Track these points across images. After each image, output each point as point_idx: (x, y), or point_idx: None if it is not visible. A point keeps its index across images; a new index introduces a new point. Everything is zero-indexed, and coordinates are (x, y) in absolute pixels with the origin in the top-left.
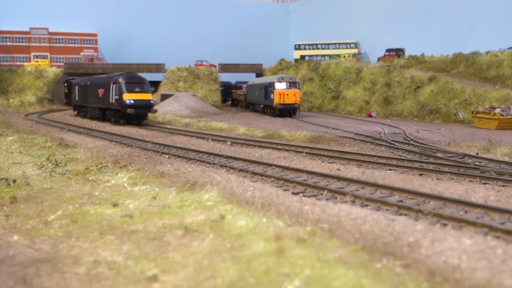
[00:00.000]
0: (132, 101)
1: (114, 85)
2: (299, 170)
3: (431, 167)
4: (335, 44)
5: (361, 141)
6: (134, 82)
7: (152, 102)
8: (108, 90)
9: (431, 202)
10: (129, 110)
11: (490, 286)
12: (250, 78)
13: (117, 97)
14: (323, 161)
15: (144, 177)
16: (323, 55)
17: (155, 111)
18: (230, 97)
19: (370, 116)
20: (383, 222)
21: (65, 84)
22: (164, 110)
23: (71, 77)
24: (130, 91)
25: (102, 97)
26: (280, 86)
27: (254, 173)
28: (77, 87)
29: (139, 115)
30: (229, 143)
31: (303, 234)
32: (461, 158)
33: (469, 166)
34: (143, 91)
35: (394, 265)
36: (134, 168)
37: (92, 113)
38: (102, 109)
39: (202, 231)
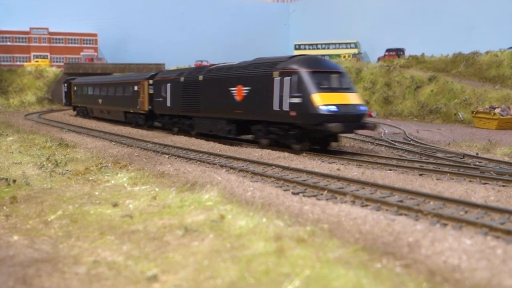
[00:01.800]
0: (334, 108)
1: (287, 79)
2: (299, 170)
3: (431, 167)
4: (335, 44)
5: (361, 141)
6: (326, 72)
7: (364, 109)
8: (267, 88)
9: (431, 202)
10: (331, 127)
11: (490, 286)
12: None
13: (297, 100)
14: (323, 161)
15: (144, 177)
16: (323, 55)
17: (373, 126)
18: None
19: (370, 116)
20: (383, 222)
21: (150, 82)
22: None
23: (155, 71)
24: (323, 88)
25: (246, 101)
26: None
27: (254, 173)
28: (168, 86)
29: (342, 133)
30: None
31: (303, 234)
32: (461, 158)
33: (469, 166)
34: (346, 88)
35: (394, 265)
36: (134, 168)
37: (210, 128)
38: (241, 122)
39: (202, 231)
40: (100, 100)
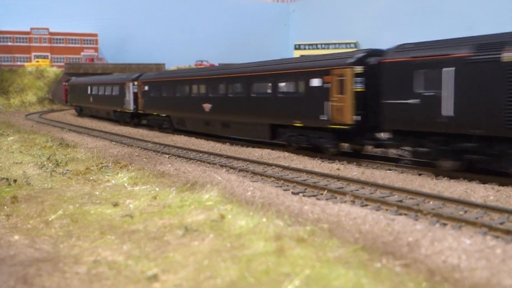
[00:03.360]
0: None
1: None
2: (299, 170)
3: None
4: (335, 44)
5: None
6: None
7: None
8: None
9: (431, 202)
10: None
11: (489, 286)
12: None
13: None
14: (323, 161)
15: (145, 177)
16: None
17: None
18: None
19: None
20: (382, 222)
21: (362, 70)
22: None
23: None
24: None
25: None
26: None
27: (254, 173)
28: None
29: None
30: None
31: (303, 234)
32: None
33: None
34: None
35: (393, 265)
36: (134, 168)
37: None
38: None
39: (202, 231)
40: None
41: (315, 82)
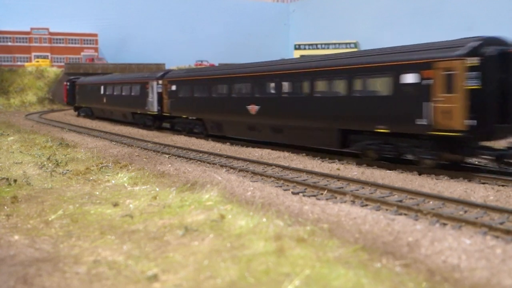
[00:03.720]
0: None
1: None
2: (299, 170)
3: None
4: (335, 44)
5: None
6: None
7: None
8: None
9: (431, 202)
10: None
11: (489, 286)
12: None
13: None
14: (323, 161)
15: (145, 177)
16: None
17: None
18: None
19: None
20: (382, 222)
21: (477, 62)
22: None
23: None
24: None
25: None
26: None
27: (254, 173)
28: None
29: None
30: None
31: (303, 233)
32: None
33: (468, 165)
34: None
35: (393, 265)
36: (134, 168)
37: None
38: None
39: (202, 231)
40: None
41: (409, 78)
